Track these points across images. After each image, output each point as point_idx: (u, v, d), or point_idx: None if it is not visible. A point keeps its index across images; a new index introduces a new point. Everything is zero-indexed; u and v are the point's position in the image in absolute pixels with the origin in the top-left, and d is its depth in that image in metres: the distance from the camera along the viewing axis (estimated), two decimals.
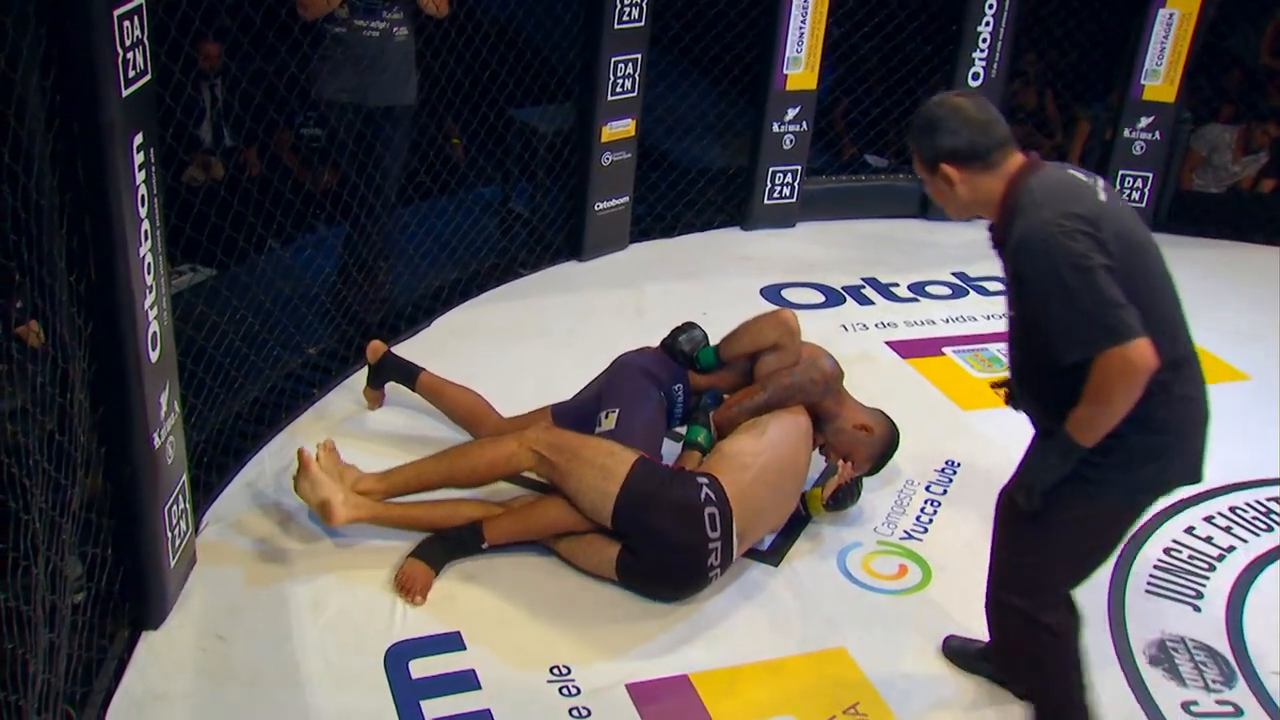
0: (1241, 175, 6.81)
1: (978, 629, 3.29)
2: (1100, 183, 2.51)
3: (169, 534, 3.03)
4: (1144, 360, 2.31)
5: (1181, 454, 2.56)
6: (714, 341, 3.74)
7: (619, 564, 3.26)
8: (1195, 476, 2.63)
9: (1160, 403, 2.44)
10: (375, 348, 4.05)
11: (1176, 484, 2.63)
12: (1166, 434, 2.50)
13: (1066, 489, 2.53)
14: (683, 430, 3.66)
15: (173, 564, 3.08)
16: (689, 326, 3.80)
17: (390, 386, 4.08)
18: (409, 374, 4.00)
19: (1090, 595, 3.44)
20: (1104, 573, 3.54)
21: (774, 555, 3.53)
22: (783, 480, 3.42)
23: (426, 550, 3.31)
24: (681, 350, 3.73)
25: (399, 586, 3.25)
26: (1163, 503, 3.67)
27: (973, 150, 2.49)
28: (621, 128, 5.31)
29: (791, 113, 5.82)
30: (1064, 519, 2.59)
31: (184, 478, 3.15)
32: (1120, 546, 2.75)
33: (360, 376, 4.22)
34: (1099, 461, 2.49)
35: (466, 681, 2.97)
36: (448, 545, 3.34)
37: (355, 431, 3.97)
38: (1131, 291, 2.34)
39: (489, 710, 2.88)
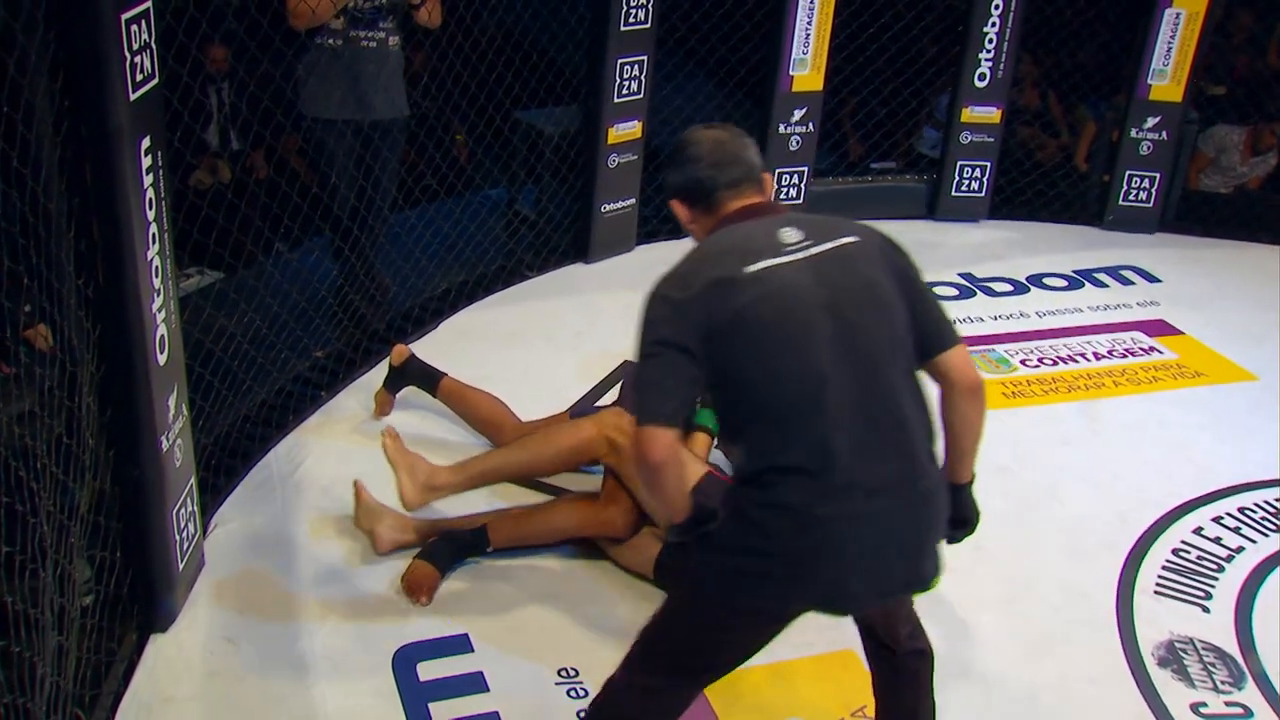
0: (1250, 176, 6.80)
1: (985, 630, 3.29)
2: (798, 244, 2.21)
3: (177, 537, 3.04)
4: (646, 448, 2.10)
5: (799, 576, 2.15)
6: None
7: (657, 564, 3.27)
8: (835, 605, 2.27)
9: (759, 504, 2.15)
10: (400, 351, 4.05)
11: (798, 605, 2.23)
12: (765, 541, 2.15)
13: (690, 563, 2.30)
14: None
15: (181, 567, 3.08)
16: None
17: (399, 393, 4.08)
18: (432, 379, 4.00)
19: (1098, 596, 3.45)
20: (1112, 574, 3.55)
21: None
22: None
23: (433, 551, 3.32)
24: None
25: (406, 587, 3.25)
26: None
27: (698, 189, 2.34)
28: (628, 129, 5.30)
29: (798, 114, 5.82)
30: (679, 591, 2.39)
31: (192, 480, 3.16)
32: (733, 662, 2.36)
33: (368, 380, 4.22)
34: (698, 544, 2.25)
35: (475, 683, 2.97)
36: (454, 547, 3.34)
37: (366, 432, 3.97)
38: (734, 377, 2.14)
39: (497, 712, 2.88)
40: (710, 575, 2.23)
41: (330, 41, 4.16)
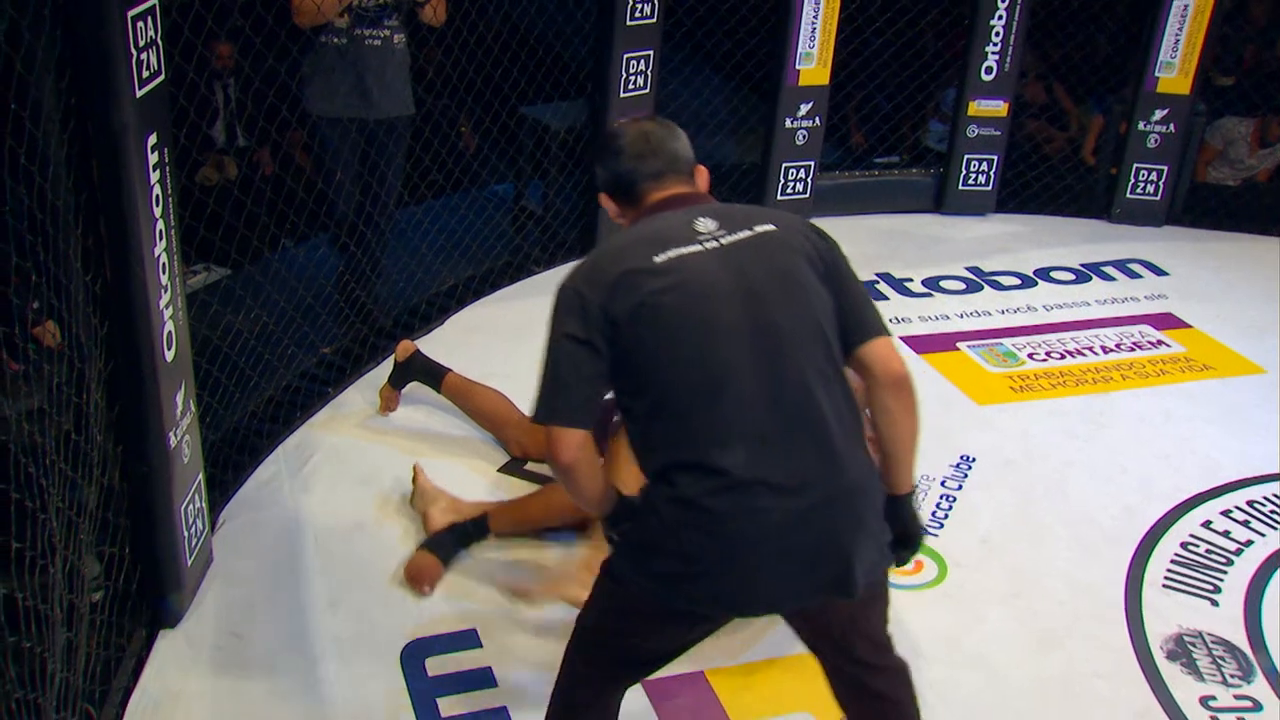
0: (1258, 168, 6.77)
1: (993, 623, 3.29)
2: (712, 233, 2.15)
3: (185, 532, 3.05)
4: (555, 450, 2.08)
5: (703, 574, 2.08)
6: None
7: None
8: (745, 607, 2.24)
9: (663, 500, 2.09)
10: (405, 346, 4.06)
11: (706, 605, 2.16)
12: (668, 539, 2.09)
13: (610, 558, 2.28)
14: None
15: (189, 562, 3.09)
16: None
17: (406, 388, 4.08)
18: (436, 375, 4.01)
19: (1107, 590, 3.45)
20: (1120, 568, 3.54)
21: None
22: None
23: (435, 542, 3.33)
24: None
25: (408, 577, 3.26)
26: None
27: (621, 182, 2.30)
28: None
29: (804, 108, 5.81)
30: (600, 584, 2.31)
31: (200, 476, 3.17)
32: (652, 658, 2.33)
33: (375, 376, 4.23)
34: (619, 536, 2.24)
35: (483, 679, 2.97)
36: (455, 537, 3.36)
37: (374, 428, 3.98)
38: (639, 367, 2.08)
39: (505, 708, 2.88)
40: (623, 571, 2.21)
41: (335, 40, 4.15)
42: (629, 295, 2.07)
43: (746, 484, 2.04)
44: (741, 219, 2.19)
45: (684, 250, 2.12)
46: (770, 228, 2.18)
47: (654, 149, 2.28)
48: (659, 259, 2.10)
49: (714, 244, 2.13)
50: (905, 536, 2.27)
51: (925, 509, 3.75)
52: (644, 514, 2.15)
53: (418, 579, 3.24)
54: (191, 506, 3.08)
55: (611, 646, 2.32)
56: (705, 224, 2.17)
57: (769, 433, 2.05)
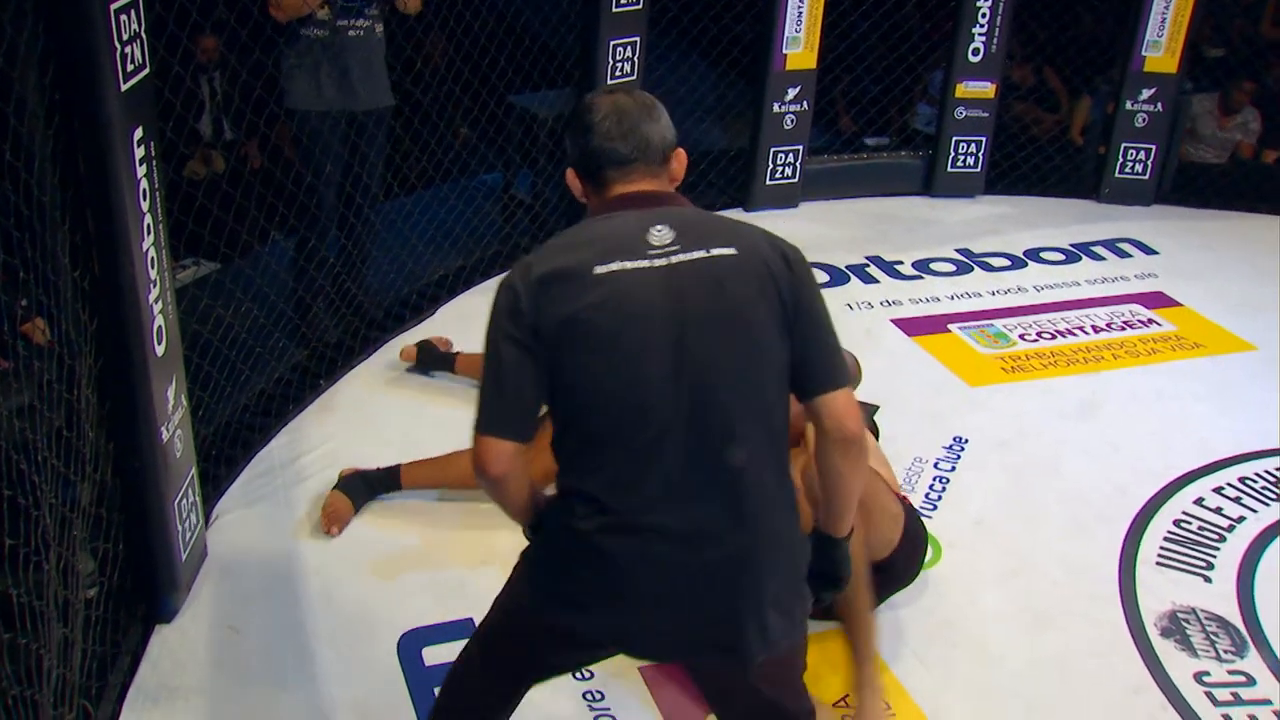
0: (1237, 140, 6.75)
1: (988, 604, 3.30)
2: (664, 247, 1.95)
3: (179, 527, 3.04)
4: (481, 460, 1.95)
5: (583, 605, 2.01)
6: None
7: None
8: (626, 647, 2.10)
9: (559, 523, 2.02)
10: (408, 352, 4.24)
11: (587, 633, 2.06)
12: (558, 560, 2.04)
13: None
14: None
15: (184, 557, 3.09)
16: None
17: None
18: (448, 360, 4.17)
19: (1100, 568, 3.46)
20: (1113, 546, 3.56)
21: None
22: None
23: (348, 485, 3.50)
24: None
25: (324, 516, 3.43)
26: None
27: (585, 163, 2.08)
28: None
29: (792, 92, 5.81)
30: (511, 576, 2.22)
31: (193, 471, 3.16)
32: (531, 669, 2.25)
33: (366, 367, 4.24)
34: (527, 548, 2.16)
35: None
36: (367, 483, 3.52)
37: (367, 419, 3.98)
38: (561, 392, 1.94)
39: None
40: (520, 580, 2.15)
41: (317, 32, 4.10)
42: (560, 305, 1.91)
43: (639, 527, 1.93)
44: (700, 235, 1.97)
45: (627, 264, 1.92)
46: (729, 252, 1.95)
47: (626, 131, 2.05)
48: (599, 269, 1.92)
49: (662, 261, 1.93)
50: (832, 577, 2.15)
51: (918, 491, 3.76)
52: (547, 533, 2.07)
53: (331, 519, 3.42)
54: (185, 501, 3.08)
55: (503, 644, 2.23)
56: (659, 235, 1.96)
57: (678, 481, 1.92)
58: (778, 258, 1.98)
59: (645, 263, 1.93)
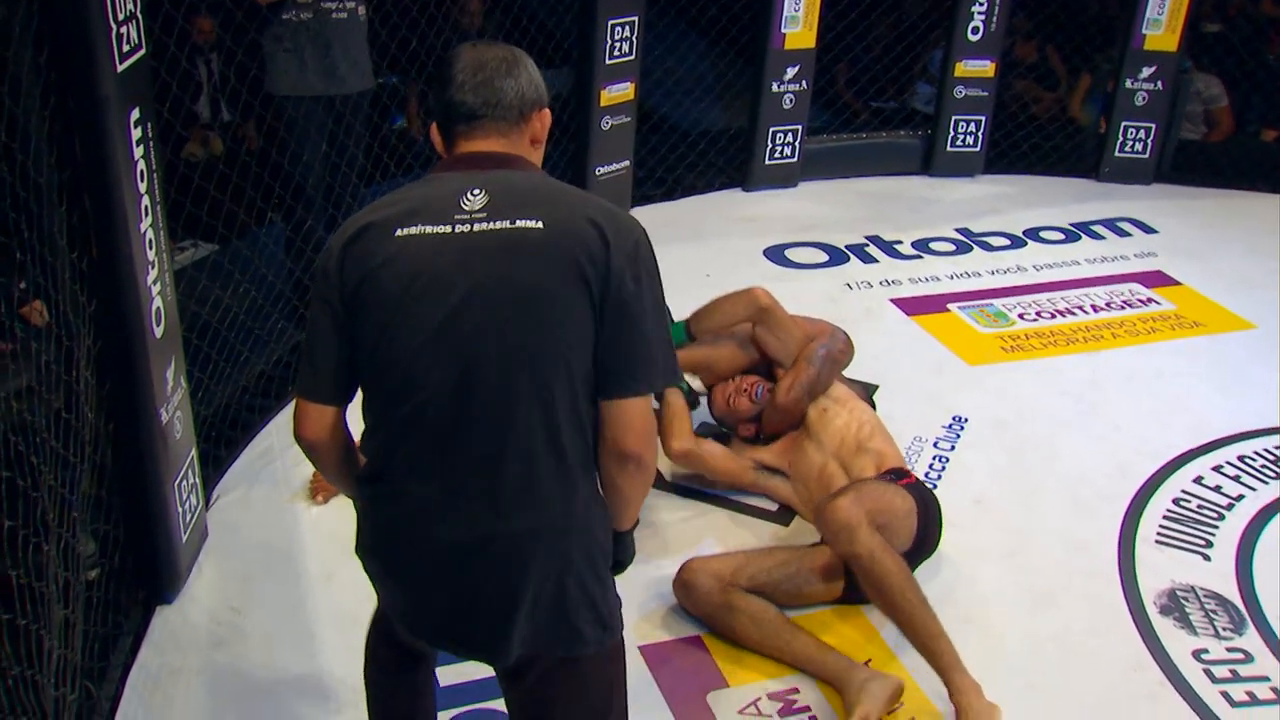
0: (1201, 110, 6.64)
1: (988, 583, 3.30)
2: (473, 213, 1.83)
3: (180, 508, 3.05)
4: (298, 424, 1.96)
5: (377, 576, 2.03)
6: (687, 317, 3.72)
7: None
8: (411, 628, 2.02)
9: (363, 505, 2.01)
10: None
11: (412, 626, 2.02)
12: (376, 538, 2.00)
13: None
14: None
15: (184, 538, 3.09)
16: None
17: None
18: None
19: (1100, 547, 3.47)
20: (1113, 524, 3.56)
21: (784, 515, 3.54)
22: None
23: None
24: None
25: (312, 485, 3.48)
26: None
27: (439, 117, 1.95)
28: (620, 91, 5.28)
29: (791, 72, 5.79)
30: None
31: (193, 452, 3.16)
32: (402, 644, 2.19)
33: None
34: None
35: None
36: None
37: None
38: (359, 346, 1.87)
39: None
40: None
41: (300, 15, 4.03)
42: (360, 264, 1.83)
43: (401, 499, 1.88)
44: (513, 204, 1.83)
45: (426, 228, 1.82)
46: (535, 225, 1.81)
47: (479, 84, 1.90)
48: (400, 231, 1.83)
49: (464, 228, 1.81)
50: (616, 561, 2.08)
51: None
52: (367, 499, 2.01)
53: (316, 488, 3.47)
54: (185, 482, 3.08)
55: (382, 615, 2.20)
56: (473, 200, 1.84)
57: (435, 457, 1.84)
58: (596, 238, 1.81)
59: (445, 228, 1.82)
